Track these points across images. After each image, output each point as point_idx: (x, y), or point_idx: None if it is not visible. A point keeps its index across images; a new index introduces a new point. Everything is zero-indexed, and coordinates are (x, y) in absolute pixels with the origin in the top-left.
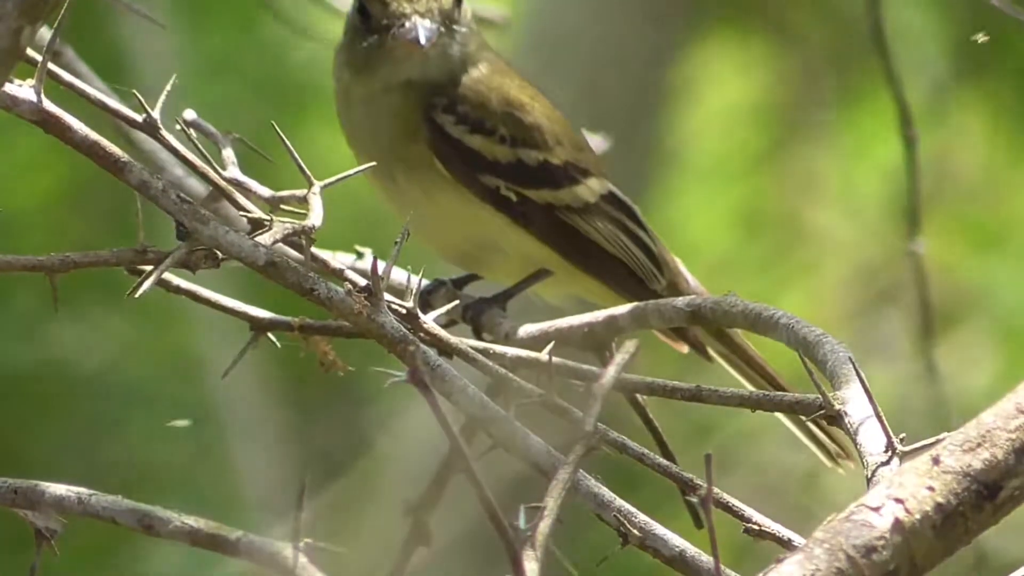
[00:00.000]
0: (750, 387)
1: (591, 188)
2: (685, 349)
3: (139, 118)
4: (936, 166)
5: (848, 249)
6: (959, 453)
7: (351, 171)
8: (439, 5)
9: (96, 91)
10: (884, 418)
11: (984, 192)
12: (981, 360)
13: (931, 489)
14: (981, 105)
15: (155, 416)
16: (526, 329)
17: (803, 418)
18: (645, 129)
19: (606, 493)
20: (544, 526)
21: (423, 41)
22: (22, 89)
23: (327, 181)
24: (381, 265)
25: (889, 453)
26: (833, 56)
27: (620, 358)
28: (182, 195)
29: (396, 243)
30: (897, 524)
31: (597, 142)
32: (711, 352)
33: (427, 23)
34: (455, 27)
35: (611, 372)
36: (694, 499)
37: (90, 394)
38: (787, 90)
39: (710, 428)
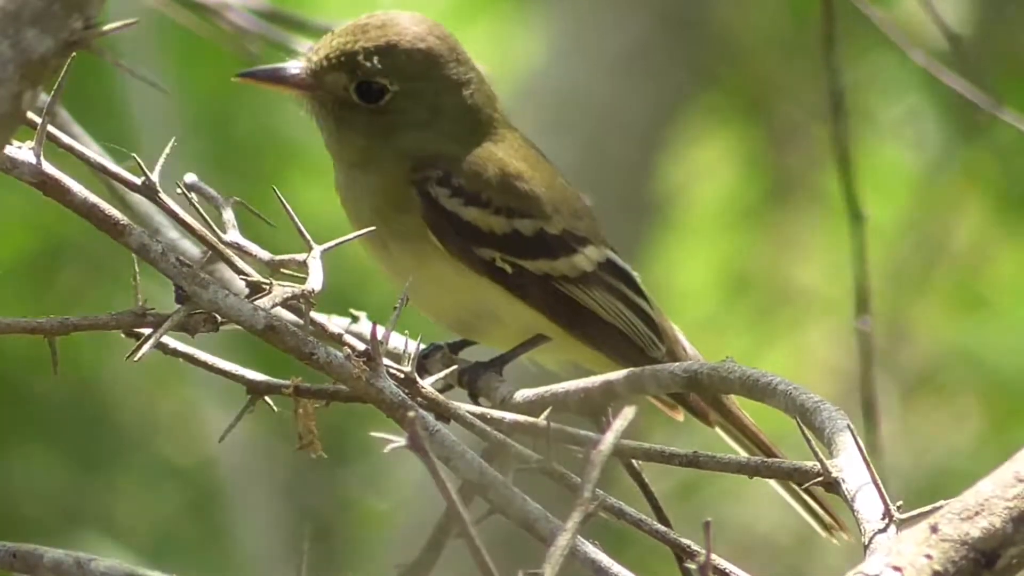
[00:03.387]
0: (745, 454)
1: (588, 257)
2: (681, 417)
3: (138, 181)
4: (928, 230)
5: (834, 308)
6: (957, 521)
7: (350, 236)
8: (322, 72)
9: (93, 153)
10: (881, 485)
11: (972, 255)
12: (967, 421)
13: (929, 557)
14: (973, 171)
15: (145, 467)
16: (523, 394)
17: (798, 487)
18: (646, 185)
19: (604, 559)
20: None
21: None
22: (21, 151)
23: (327, 245)
24: (380, 330)
25: (886, 521)
26: (821, 116)
27: (618, 424)
28: (181, 258)
29: (395, 308)
30: None
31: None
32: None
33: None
34: (354, 108)
35: (609, 438)
36: (692, 566)
37: (78, 443)
38: (775, 150)
39: (694, 488)
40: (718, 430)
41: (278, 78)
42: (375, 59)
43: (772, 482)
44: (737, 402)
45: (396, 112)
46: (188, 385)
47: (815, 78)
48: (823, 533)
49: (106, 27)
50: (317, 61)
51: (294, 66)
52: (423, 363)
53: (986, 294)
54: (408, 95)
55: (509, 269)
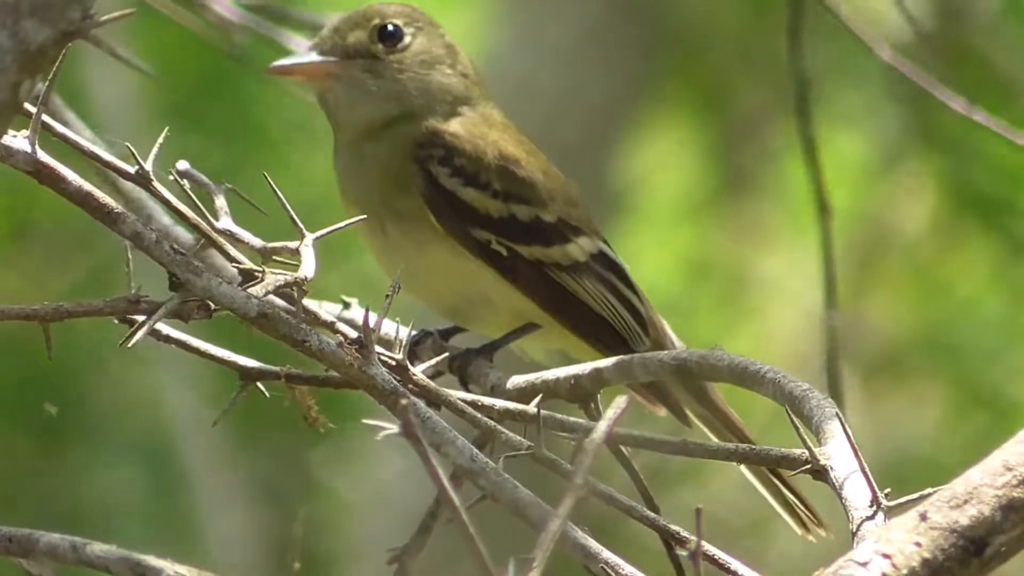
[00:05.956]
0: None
1: (581, 247)
2: (663, 412)
3: (131, 169)
4: (885, 215)
5: (795, 295)
6: (946, 509)
7: (344, 223)
8: (343, 40)
9: (86, 141)
10: (869, 473)
11: (931, 241)
12: (928, 407)
13: (918, 544)
14: (929, 156)
15: (109, 452)
16: (513, 381)
17: (786, 474)
18: (599, 173)
19: (593, 544)
20: None
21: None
22: (16, 140)
23: (319, 233)
24: (372, 317)
25: (874, 508)
26: (780, 105)
27: (611, 413)
28: (175, 246)
29: (387, 296)
30: None
31: None
32: (689, 415)
33: (312, 55)
34: (381, 62)
35: (602, 427)
36: (683, 552)
37: (45, 431)
38: (735, 138)
39: (657, 472)
40: (702, 425)
41: (310, 62)
42: (387, 13)
43: (753, 480)
44: (722, 397)
45: (416, 55)
46: (150, 367)
47: (773, 66)
48: (799, 531)
49: (104, 17)
50: (329, 36)
51: (312, 49)
52: (414, 350)
53: (947, 281)
54: (422, 37)
55: (504, 252)
